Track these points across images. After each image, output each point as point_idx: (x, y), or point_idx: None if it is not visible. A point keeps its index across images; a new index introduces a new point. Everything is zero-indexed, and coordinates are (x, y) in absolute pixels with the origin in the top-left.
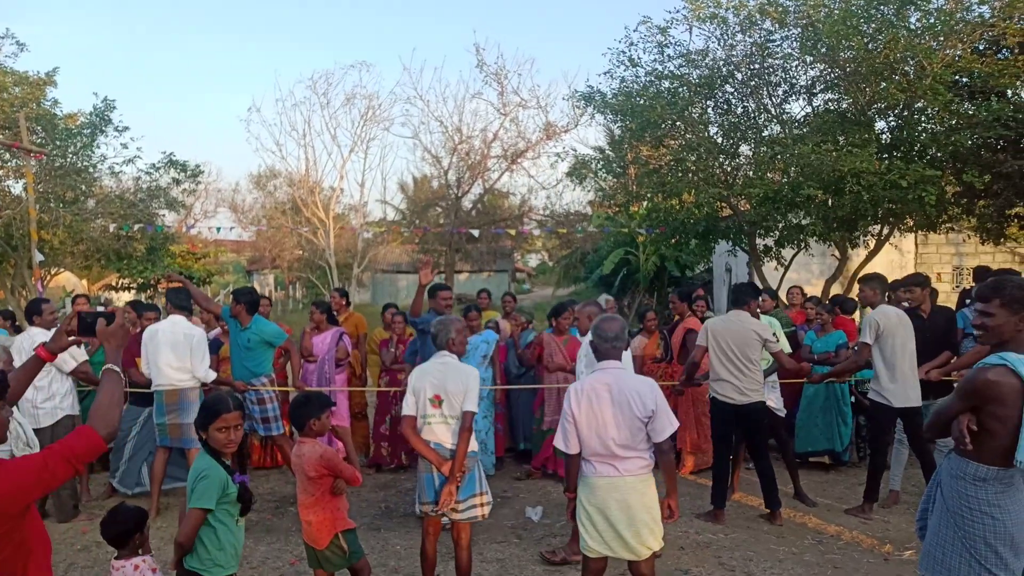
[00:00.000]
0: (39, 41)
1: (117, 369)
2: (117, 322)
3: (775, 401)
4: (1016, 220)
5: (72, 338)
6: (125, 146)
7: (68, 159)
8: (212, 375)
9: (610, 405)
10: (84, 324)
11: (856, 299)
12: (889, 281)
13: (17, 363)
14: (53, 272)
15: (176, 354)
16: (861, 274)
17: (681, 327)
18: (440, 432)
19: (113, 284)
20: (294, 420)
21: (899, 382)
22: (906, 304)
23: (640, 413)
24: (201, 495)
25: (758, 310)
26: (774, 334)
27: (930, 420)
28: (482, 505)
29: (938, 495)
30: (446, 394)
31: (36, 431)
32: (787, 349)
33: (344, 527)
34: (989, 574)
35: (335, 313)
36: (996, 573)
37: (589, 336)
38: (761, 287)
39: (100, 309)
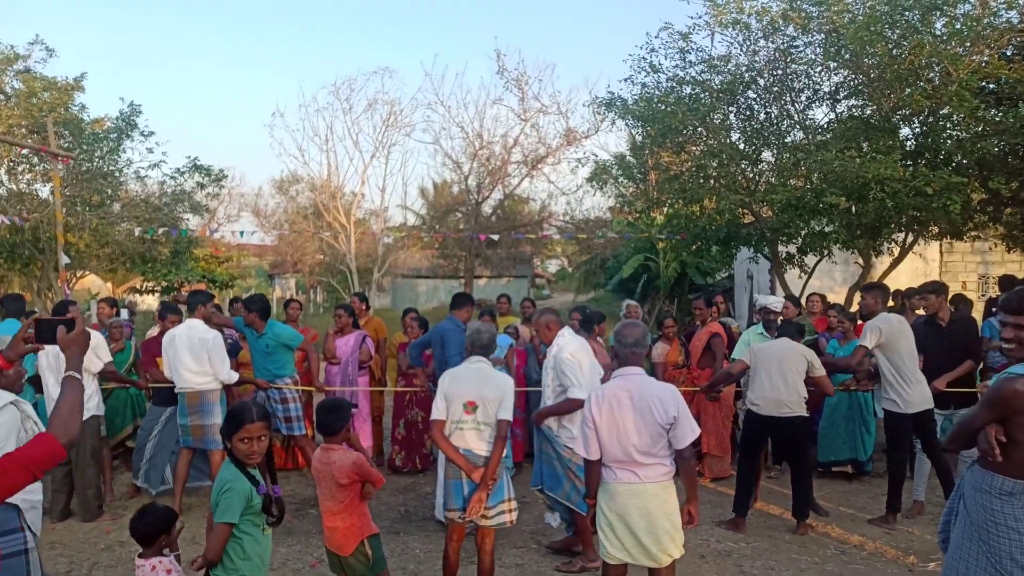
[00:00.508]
0: (68, 47)
1: (78, 376)
2: (78, 329)
3: None
4: None
5: (29, 345)
6: (151, 150)
7: (95, 163)
8: (234, 376)
9: (631, 411)
10: (43, 331)
11: None
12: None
13: (42, 364)
14: (79, 275)
15: (194, 357)
16: (867, 283)
17: (705, 331)
18: (471, 438)
19: (137, 287)
20: (327, 425)
21: (910, 388)
22: (921, 311)
23: (662, 420)
24: (225, 509)
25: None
26: None
27: (954, 431)
28: (510, 511)
29: (961, 507)
30: (482, 400)
31: None
32: None
33: (370, 532)
34: None
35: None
36: None
37: (554, 348)
38: (784, 294)
39: (124, 312)
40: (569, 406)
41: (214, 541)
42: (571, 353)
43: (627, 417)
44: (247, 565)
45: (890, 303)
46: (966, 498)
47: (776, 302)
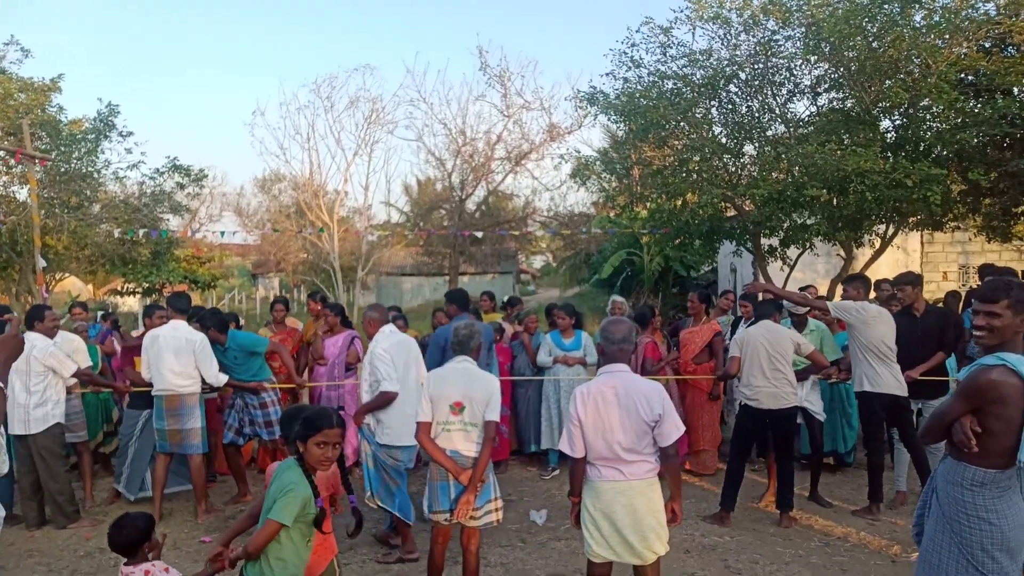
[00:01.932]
0: (44, 48)
1: (1, 385)
2: (9, 333)
3: (814, 404)
4: (1022, 218)
5: None
6: (129, 151)
7: (72, 164)
8: (223, 378)
9: (616, 408)
10: None
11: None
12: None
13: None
14: (58, 277)
15: (178, 359)
16: (849, 275)
17: (708, 328)
18: (458, 440)
19: (119, 289)
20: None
21: (882, 370)
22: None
23: (647, 417)
24: (282, 509)
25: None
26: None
27: (928, 423)
28: (497, 511)
29: (934, 501)
30: (470, 401)
31: (25, 437)
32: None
33: (336, 550)
34: None
35: (314, 318)
36: None
37: (373, 343)
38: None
39: (100, 315)
40: (383, 399)
41: (260, 536)
42: (384, 349)
43: (612, 414)
44: (284, 573)
45: (872, 294)
46: (938, 491)
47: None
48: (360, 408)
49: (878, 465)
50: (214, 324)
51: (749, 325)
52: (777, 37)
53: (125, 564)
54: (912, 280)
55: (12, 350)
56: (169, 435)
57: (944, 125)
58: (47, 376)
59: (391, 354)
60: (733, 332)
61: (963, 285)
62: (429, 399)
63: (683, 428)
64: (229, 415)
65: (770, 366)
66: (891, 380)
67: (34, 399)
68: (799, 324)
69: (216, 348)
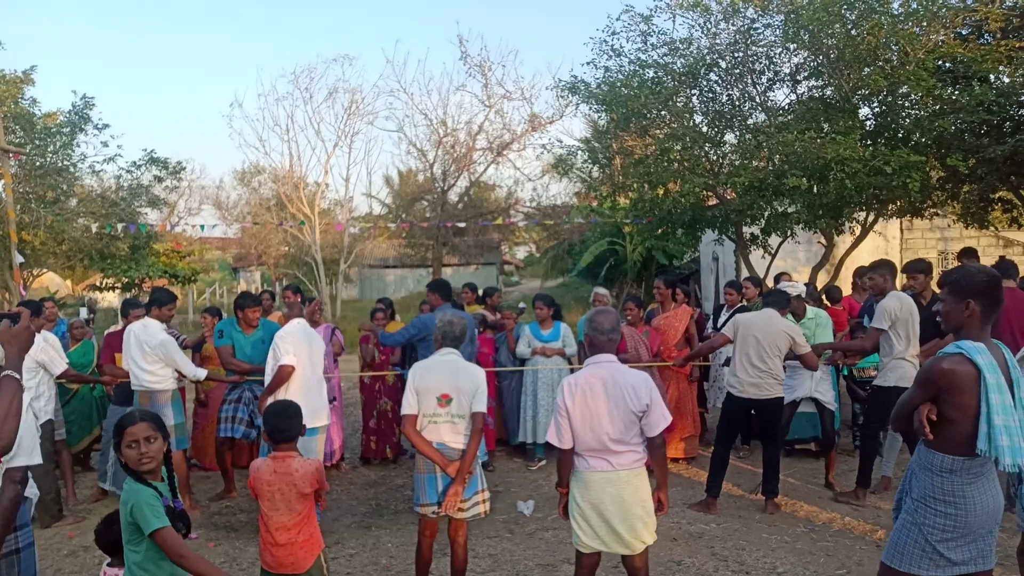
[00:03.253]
0: (15, 39)
1: (17, 376)
2: (22, 324)
3: (825, 394)
4: (1000, 204)
5: None
6: (105, 144)
7: (48, 158)
8: (202, 373)
9: (604, 399)
10: None
11: (839, 287)
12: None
13: None
14: (36, 273)
15: (143, 356)
16: (874, 261)
17: (684, 312)
18: (445, 432)
19: (97, 284)
20: (287, 432)
21: (905, 363)
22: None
23: (634, 407)
24: (149, 519)
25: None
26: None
27: (894, 411)
28: (484, 502)
29: (908, 486)
30: (457, 392)
31: None
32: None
33: (322, 544)
34: (942, 558)
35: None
36: (948, 556)
37: (280, 331)
38: (748, 276)
39: (83, 310)
40: (282, 373)
41: (170, 552)
42: (287, 331)
43: (600, 405)
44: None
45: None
46: (913, 476)
47: (794, 287)
48: (264, 393)
49: (871, 453)
50: (256, 303)
51: (733, 313)
52: (757, 25)
53: (108, 565)
54: (924, 268)
55: (25, 342)
56: None
57: (922, 112)
58: (38, 372)
59: (295, 336)
60: (715, 320)
61: (942, 271)
62: (415, 391)
63: (670, 418)
64: (238, 408)
65: (758, 357)
66: (912, 372)
67: (27, 396)
68: (797, 313)
69: (239, 332)
